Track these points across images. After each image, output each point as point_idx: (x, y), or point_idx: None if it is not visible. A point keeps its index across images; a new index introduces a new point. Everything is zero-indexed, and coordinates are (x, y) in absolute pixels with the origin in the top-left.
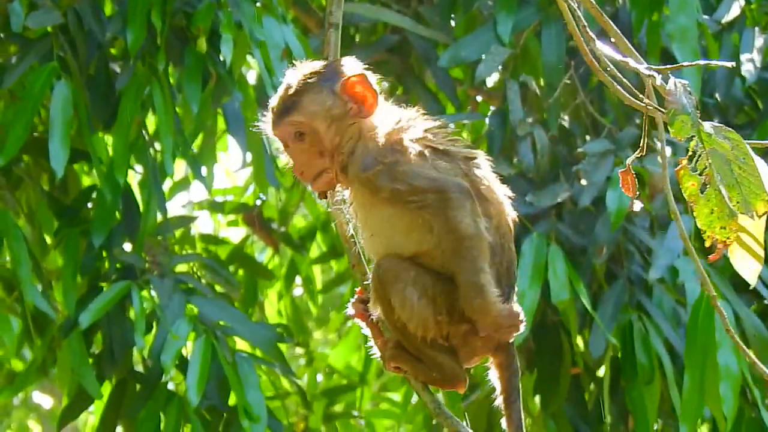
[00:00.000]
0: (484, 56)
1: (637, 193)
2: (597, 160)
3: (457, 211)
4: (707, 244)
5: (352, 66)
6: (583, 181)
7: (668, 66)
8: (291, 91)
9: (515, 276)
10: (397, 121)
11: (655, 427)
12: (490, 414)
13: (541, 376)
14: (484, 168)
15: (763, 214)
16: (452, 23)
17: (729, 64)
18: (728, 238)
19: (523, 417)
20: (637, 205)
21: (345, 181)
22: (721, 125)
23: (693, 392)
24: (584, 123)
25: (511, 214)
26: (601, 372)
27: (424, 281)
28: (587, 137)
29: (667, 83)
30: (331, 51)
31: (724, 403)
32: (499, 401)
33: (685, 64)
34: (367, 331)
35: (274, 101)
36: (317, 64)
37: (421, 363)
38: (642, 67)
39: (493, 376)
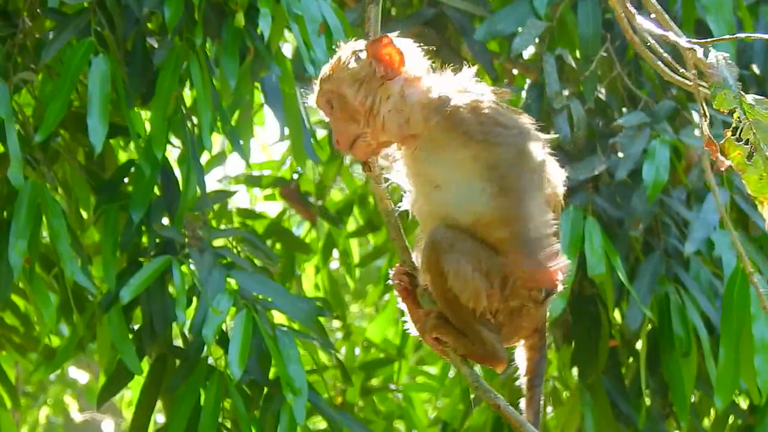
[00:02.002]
0: (520, 29)
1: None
2: (633, 132)
3: (530, 153)
4: (760, 209)
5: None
6: (620, 154)
7: (708, 39)
8: (326, 66)
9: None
10: (448, 86)
11: (692, 399)
12: None
13: (579, 348)
14: (538, 144)
15: None
16: None
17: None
18: None
19: (542, 401)
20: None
21: (394, 138)
22: (762, 97)
23: (728, 365)
24: (621, 95)
25: (561, 191)
26: (639, 345)
27: (480, 254)
28: (624, 110)
29: (704, 56)
30: (371, 27)
31: (759, 375)
32: (521, 381)
33: (725, 37)
34: (402, 305)
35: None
36: (360, 43)
37: (464, 336)
38: (682, 41)
39: (521, 357)
